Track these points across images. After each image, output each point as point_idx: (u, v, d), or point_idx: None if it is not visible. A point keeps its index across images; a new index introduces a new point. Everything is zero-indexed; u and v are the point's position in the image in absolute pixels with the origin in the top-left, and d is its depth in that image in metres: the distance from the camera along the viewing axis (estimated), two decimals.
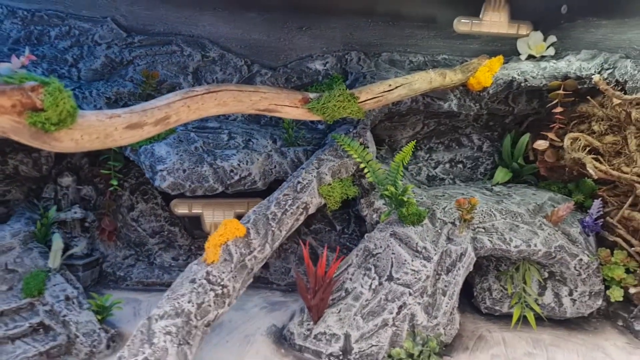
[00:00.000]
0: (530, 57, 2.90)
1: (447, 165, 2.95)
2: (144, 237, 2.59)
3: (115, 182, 2.40)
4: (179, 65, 2.56)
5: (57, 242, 2.15)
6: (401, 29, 2.83)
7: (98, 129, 1.44)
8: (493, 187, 2.74)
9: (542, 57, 2.88)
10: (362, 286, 2.09)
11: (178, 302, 1.71)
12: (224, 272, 1.81)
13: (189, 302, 1.72)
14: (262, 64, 2.70)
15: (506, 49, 2.96)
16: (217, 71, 2.61)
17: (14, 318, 1.96)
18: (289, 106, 1.93)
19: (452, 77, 2.53)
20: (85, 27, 2.48)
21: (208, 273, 1.80)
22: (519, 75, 2.64)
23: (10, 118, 1.29)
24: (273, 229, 1.98)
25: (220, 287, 1.79)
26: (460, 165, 2.96)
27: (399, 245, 2.13)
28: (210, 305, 1.76)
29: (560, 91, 2.58)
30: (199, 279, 1.77)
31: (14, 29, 2.40)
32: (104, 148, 1.53)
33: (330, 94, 1.99)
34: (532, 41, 2.91)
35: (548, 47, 2.89)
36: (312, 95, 2.00)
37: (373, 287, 2.08)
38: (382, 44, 2.83)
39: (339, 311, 2.05)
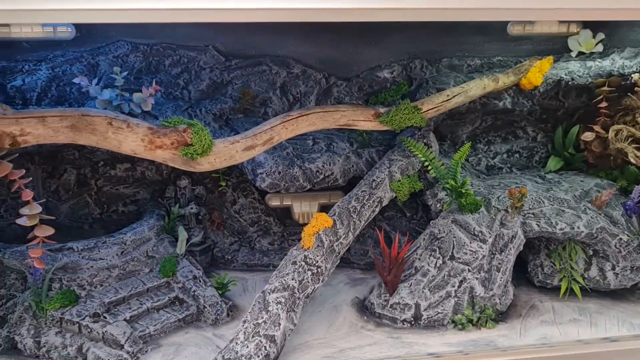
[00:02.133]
0: (581, 54, 3.19)
1: (505, 156, 3.31)
2: (245, 227, 3.12)
3: (223, 183, 2.94)
4: (269, 82, 3.04)
5: (183, 233, 2.71)
6: (458, 36, 3.18)
7: (225, 153, 1.95)
8: (546, 174, 3.08)
9: (592, 54, 3.17)
10: (428, 265, 2.53)
11: (284, 279, 2.21)
12: (317, 256, 2.30)
13: (292, 279, 2.22)
14: (338, 76, 3.13)
15: (557, 47, 3.26)
16: (300, 85, 3.08)
17: (156, 293, 2.54)
18: (363, 120, 2.38)
19: (505, 80, 2.88)
20: (192, 55, 3.00)
21: (305, 257, 2.29)
22: (566, 74, 2.96)
23: (169, 152, 1.82)
24: (354, 219, 2.45)
25: (316, 267, 2.28)
26: (516, 155, 3.31)
27: (459, 230, 2.55)
28: (308, 282, 2.26)
29: (605, 88, 2.88)
30: (299, 261, 2.27)
31: (137, 61, 2.95)
32: (229, 166, 2.04)
33: (397, 108, 2.42)
34: (582, 39, 3.19)
35: (597, 44, 3.17)
36: (382, 109, 2.43)
37: (438, 265, 2.51)
38: (441, 51, 3.20)
39: (410, 285, 2.49)
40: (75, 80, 2.51)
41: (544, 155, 3.29)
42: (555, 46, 3.25)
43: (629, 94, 2.82)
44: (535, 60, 3.00)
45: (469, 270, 2.46)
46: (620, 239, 2.58)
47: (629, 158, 2.71)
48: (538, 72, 2.96)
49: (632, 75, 2.74)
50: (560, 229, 2.52)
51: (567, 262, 2.67)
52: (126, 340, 2.21)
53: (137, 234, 2.65)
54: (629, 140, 2.79)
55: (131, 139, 1.78)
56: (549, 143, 3.28)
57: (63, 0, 1.44)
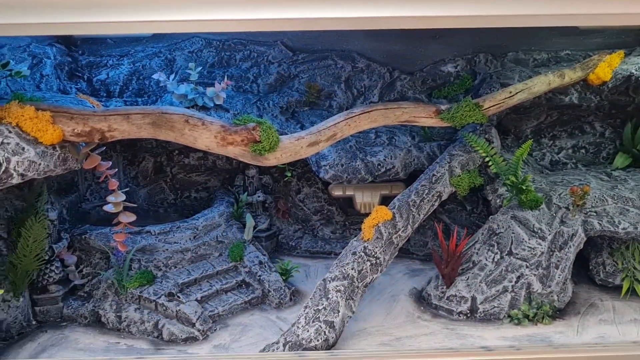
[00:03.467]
0: None
1: (570, 151, 3.27)
2: (309, 215, 3.26)
3: (289, 174, 3.09)
4: (334, 76, 3.14)
5: (250, 220, 2.87)
6: (524, 30, 3.15)
7: (291, 149, 2.08)
8: (612, 171, 3.03)
9: None
10: (486, 259, 2.57)
11: (344, 269, 2.33)
12: (376, 247, 2.40)
13: (352, 269, 2.33)
14: (402, 70, 3.19)
15: (630, 40, 3.18)
16: (364, 79, 3.16)
17: (225, 276, 2.71)
18: (424, 117, 2.44)
19: (572, 75, 2.85)
20: (261, 50, 3.14)
21: (365, 247, 2.39)
22: (637, 70, 2.89)
23: (240, 148, 1.96)
24: (413, 213, 2.52)
25: (374, 258, 2.38)
26: (582, 151, 3.26)
27: (518, 226, 2.57)
28: (367, 272, 2.36)
29: None
30: (359, 252, 2.38)
31: (210, 56, 3.12)
32: (294, 160, 2.16)
33: (459, 106, 2.47)
34: None
35: None
36: (443, 107, 2.48)
37: (495, 260, 2.55)
38: (507, 45, 3.18)
39: (467, 279, 2.55)
40: (154, 77, 2.70)
41: (611, 151, 3.23)
42: (628, 39, 3.16)
43: None
44: (604, 55, 2.95)
45: (527, 267, 2.48)
46: None
47: None
48: (607, 67, 2.91)
49: None
50: (623, 229, 2.50)
51: (630, 261, 2.65)
52: (197, 319, 2.39)
53: (208, 220, 2.83)
54: None
55: (205, 136, 1.93)
56: (617, 139, 3.21)
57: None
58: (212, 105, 2.78)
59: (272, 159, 2.05)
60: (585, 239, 2.54)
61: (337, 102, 3.12)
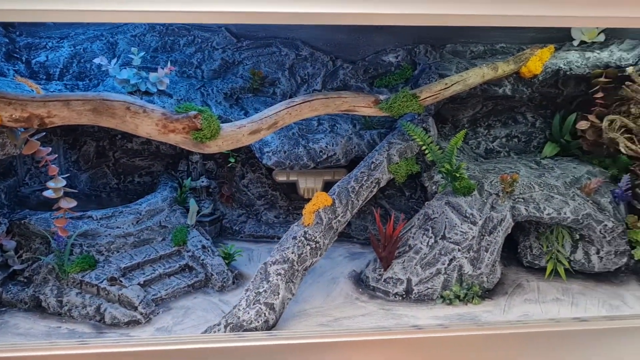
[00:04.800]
0: (583, 43, 3.28)
1: (504, 140, 3.43)
2: (253, 200, 3.31)
3: (232, 160, 3.12)
4: (278, 63, 3.19)
5: (194, 205, 2.90)
6: None
7: (232, 136, 2.12)
8: (541, 160, 3.21)
9: (593, 44, 3.25)
10: (421, 243, 2.70)
11: (285, 253, 2.40)
12: (316, 232, 2.48)
13: (292, 252, 2.41)
14: (344, 59, 3.26)
15: (560, 35, 3.34)
16: (308, 67, 3.22)
17: (168, 260, 2.74)
18: (364, 107, 2.52)
19: (505, 68, 3.00)
20: (206, 36, 3.15)
21: (305, 232, 2.47)
22: (565, 64, 3.05)
23: (181, 136, 1.99)
24: (352, 199, 2.61)
25: (314, 243, 2.46)
26: (515, 140, 3.44)
27: (452, 212, 2.71)
28: (307, 255, 2.44)
29: (602, 79, 2.98)
30: (299, 237, 2.45)
31: (153, 40, 3.10)
32: (235, 148, 2.21)
33: (396, 96, 2.56)
34: (585, 28, 3.27)
35: (599, 34, 3.25)
36: (382, 97, 2.57)
37: (430, 244, 2.68)
38: (445, 37, 3.30)
39: (403, 262, 2.67)
40: (96, 61, 2.68)
41: (541, 140, 3.41)
42: (558, 34, 3.32)
43: (624, 85, 2.91)
44: (536, 49, 3.10)
45: (459, 250, 2.62)
46: (606, 225, 2.72)
47: (620, 148, 2.82)
48: (538, 60, 3.07)
49: (627, 68, 2.84)
50: (548, 214, 2.67)
51: (554, 244, 2.83)
52: (140, 303, 2.42)
53: (152, 205, 2.85)
54: (622, 130, 2.89)
55: (147, 124, 1.95)
56: (547, 129, 3.39)
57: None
58: (155, 90, 2.78)
59: (214, 147, 2.09)
60: (513, 224, 2.69)
61: (281, 89, 3.17)
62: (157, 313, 2.48)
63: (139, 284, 2.53)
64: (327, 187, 3.02)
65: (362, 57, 3.28)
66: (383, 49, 3.28)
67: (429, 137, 2.82)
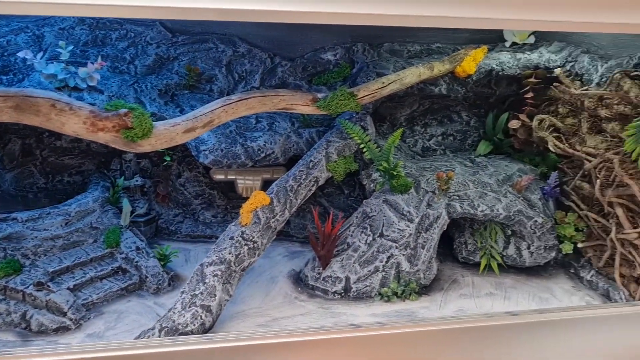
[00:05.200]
0: (514, 44, 3.38)
1: (440, 138, 3.50)
2: (190, 199, 3.23)
3: (168, 158, 3.04)
4: (215, 60, 3.12)
5: (127, 205, 2.80)
6: None
7: (166, 135, 2.06)
8: (475, 158, 3.29)
9: (524, 45, 3.36)
10: (359, 241, 2.71)
11: (222, 253, 2.35)
12: (254, 232, 2.44)
13: (229, 253, 2.36)
14: (283, 56, 3.23)
15: (493, 36, 3.43)
16: (245, 64, 3.17)
17: (100, 263, 2.64)
18: (302, 105, 2.51)
19: (440, 68, 3.05)
20: (139, 30, 3.05)
21: (243, 232, 2.43)
22: (497, 65, 3.14)
23: (111, 134, 1.91)
24: (291, 198, 2.59)
25: (252, 243, 2.43)
26: (450, 138, 3.51)
27: (389, 210, 2.73)
28: (244, 256, 2.41)
29: (532, 79, 3.09)
30: (237, 237, 2.41)
31: (83, 34, 2.98)
32: (169, 146, 2.14)
33: (334, 95, 2.56)
34: (517, 30, 3.37)
35: (529, 36, 3.36)
36: (319, 95, 2.56)
37: (368, 242, 2.69)
38: (383, 36, 3.33)
39: (342, 260, 2.67)
40: (20, 54, 2.54)
41: (476, 139, 3.49)
42: (491, 35, 3.41)
43: (552, 85, 3.02)
44: (470, 50, 3.17)
45: (396, 247, 2.65)
46: (536, 221, 2.81)
47: (549, 146, 2.92)
48: (472, 61, 3.14)
49: (555, 70, 2.94)
50: (481, 211, 2.73)
51: (488, 240, 2.91)
52: (69, 308, 2.32)
53: (82, 206, 2.73)
54: (551, 129, 3.00)
55: (74, 122, 1.86)
56: (481, 128, 3.48)
57: None
58: (84, 86, 2.67)
59: (146, 146, 2.02)
60: (448, 220, 2.75)
61: (218, 86, 3.11)
62: (88, 318, 2.38)
63: (68, 288, 2.42)
64: (266, 185, 2.98)
65: (300, 54, 3.26)
66: (321, 47, 3.27)
67: (367, 135, 2.84)
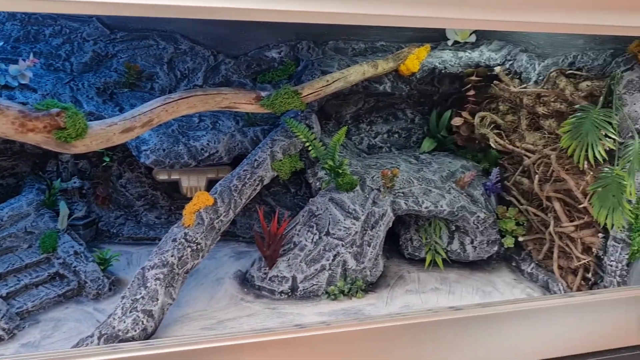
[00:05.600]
0: (456, 43, 3.43)
1: (385, 136, 3.52)
2: (132, 200, 3.14)
3: (107, 159, 2.94)
4: (155, 57, 3.04)
5: (64, 208, 2.69)
6: None
7: (102, 135, 1.98)
8: (420, 155, 3.33)
9: (465, 44, 3.42)
10: (306, 240, 2.69)
11: (164, 256, 2.29)
12: (197, 233, 2.39)
13: (172, 256, 2.31)
14: (226, 54, 3.18)
15: (436, 35, 3.48)
16: (188, 61, 3.10)
17: (36, 269, 2.52)
18: (245, 103, 2.47)
19: (384, 66, 3.07)
20: (75, 26, 2.93)
21: (185, 234, 2.37)
22: (439, 63, 3.18)
23: (42, 135, 1.82)
24: (235, 198, 2.55)
25: (195, 244, 2.38)
26: (396, 135, 3.54)
27: (335, 208, 2.73)
28: (188, 258, 2.35)
29: (473, 77, 3.14)
30: (179, 239, 2.36)
31: (15, 29, 2.84)
32: (107, 147, 2.07)
33: (278, 93, 2.53)
34: (458, 29, 3.43)
35: (471, 35, 3.42)
36: (263, 93, 2.53)
37: (314, 240, 2.68)
38: (328, 34, 3.32)
39: (288, 259, 2.65)
40: None
41: (420, 136, 3.54)
42: (434, 34, 3.45)
43: (493, 83, 3.08)
44: (413, 48, 3.20)
45: (343, 245, 2.65)
46: (478, 216, 2.87)
47: (490, 143, 2.98)
48: (416, 59, 3.17)
49: (495, 68, 3.01)
50: (426, 208, 2.76)
51: (432, 236, 2.94)
52: (1, 317, 2.21)
53: (15, 210, 2.61)
54: (492, 126, 3.06)
55: (1, 122, 1.76)
56: (425, 125, 3.52)
57: None
58: (16, 84, 2.55)
59: (81, 147, 1.94)
60: (394, 217, 2.76)
61: (159, 84, 3.03)
62: (23, 327, 2.28)
63: (0, 296, 2.31)
64: (211, 185, 2.92)
65: (244, 52, 3.21)
66: (266, 44, 3.23)
67: (312, 133, 2.83)
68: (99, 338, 2.07)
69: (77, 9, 1.63)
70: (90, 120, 2.07)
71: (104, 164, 2.97)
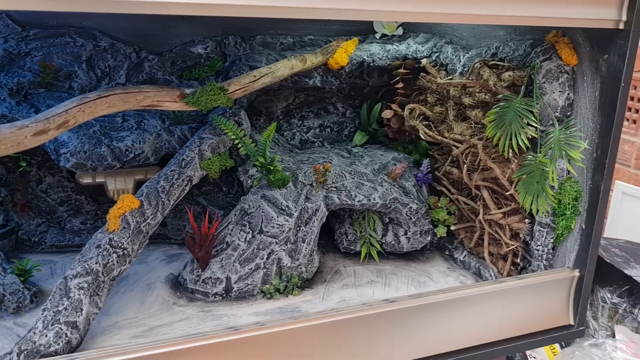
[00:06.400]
0: (384, 36, 3.45)
1: (317, 130, 3.50)
2: (54, 206, 2.98)
3: (23, 164, 2.77)
4: (73, 55, 2.89)
5: None
6: None
7: (12, 139, 1.85)
8: (352, 148, 3.33)
9: (393, 36, 3.44)
10: (239, 239, 2.64)
11: (87, 264, 2.18)
12: (123, 238, 2.29)
13: (96, 263, 2.20)
14: (150, 50, 3.05)
15: (364, 28, 3.48)
16: (108, 59, 2.96)
17: None
18: (169, 101, 2.37)
19: (313, 60, 3.04)
20: None
21: (110, 239, 2.27)
22: (368, 56, 3.19)
23: None
24: (163, 199, 2.46)
25: (121, 250, 2.27)
26: (328, 130, 3.52)
27: (268, 205, 2.68)
28: (114, 264, 2.25)
29: (401, 70, 3.17)
30: (104, 244, 2.25)
31: None
32: (18, 151, 1.94)
33: (203, 90, 2.45)
34: (385, 22, 3.45)
35: (398, 27, 3.45)
36: (187, 90, 2.45)
37: (247, 239, 2.63)
38: (255, 28, 3.26)
39: (221, 260, 2.59)
40: None
41: (352, 129, 3.54)
42: (362, 27, 3.46)
43: (420, 75, 3.11)
44: (341, 42, 3.19)
45: (277, 243, 2.61)
46: (411, 207, 2.89)
47: (420, 134, 3.01)
48: (344, 52, 3.16)
49: (422, 60, 3.04)
50: (359, 201, 2.76)
51: (366, 229, 2.95)
52: None
53: None
54: (421, 117, 3.10)
55: None
56: (356, 119, 3.53)
57: None
58: None
59: None
60: (327, 212, 2.75)
61: (78, 83, 2.88)
62: None
63: None
64: (139, 186, 2.80)
65: (169, 48, 3.10)
66: (191, 40, 3.13)
67: (241, 130, 2.76)
68: (18, 354, 1.94)
69: None
70: (3, 123, 1.94)
71: (21, 169, 2.80)
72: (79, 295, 2.11)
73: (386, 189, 2.87)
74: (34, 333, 2.01)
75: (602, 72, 2.27)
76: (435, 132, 3.02)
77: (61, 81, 2.86)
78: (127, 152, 2.70)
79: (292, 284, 2.61)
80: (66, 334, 2.03)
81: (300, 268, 2.66)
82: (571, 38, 2.37)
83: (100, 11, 1.50)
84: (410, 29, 3.43)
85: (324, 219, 2.75)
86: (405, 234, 2.96)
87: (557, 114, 2.39)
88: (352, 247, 3.00)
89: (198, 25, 3.14)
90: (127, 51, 3.00)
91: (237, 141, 2.73)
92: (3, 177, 2.86)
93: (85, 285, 2.14)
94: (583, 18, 2.07)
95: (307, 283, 2.71)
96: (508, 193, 2.58)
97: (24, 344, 1.98)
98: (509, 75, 2.55)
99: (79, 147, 2.61)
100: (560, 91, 2.37)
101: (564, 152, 2.34)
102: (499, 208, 2.69)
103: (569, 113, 2.41)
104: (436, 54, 3.14)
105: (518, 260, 2.67)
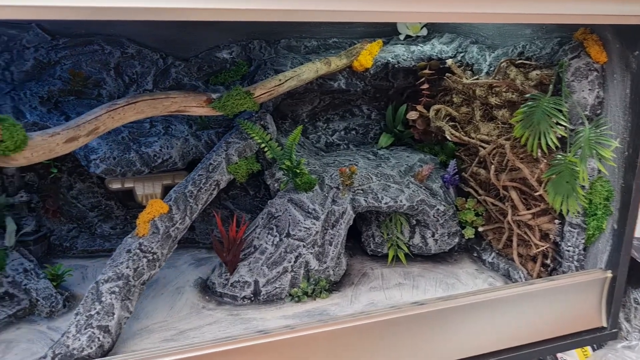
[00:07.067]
0: (408, 37, 3.43)
1: (343, 133, 3.50)
2: (84, 212, 3.03)
3: (55, 170, 2.82)
4: (102, 62, 2.94)
5: (11, 224, 2.58)
6: None
7: (44, 146, 1.89)
8: (378, 150, 3.32)
9: (417, 37, 3.42)
10: (266, 243, 2.65)
11: (118, 269, 2.21)
12: (153, 242, 2.32)
13: (127, 267, 2.23)
14: (176, 56, 3.09)
15: (388, 29, 3.47)
16: (136, 65, 3.00)
17: None
18: (196, 107, 2.40)
19: (338, 62, 3.04)
20: (13, 34, 2.80)
21: (140, 244, 2.30)
22: (392, 58, 3.18)
23: None
24: (191, 204, 2.48)
25: (151, 254, 2.30)
26: (353, 132, 3.52)
27: (294, 209, 2.69)
28: (144, 269, 2.28)
29: (426, 70, 3.15)
30: (134, 249, 2.28)
31: None
32: (50, 158, 1.98)
33: (229, 94, 2.47)
34: (410, 23, 3.43)
35: (422, 28, 3.43)
36: (214, 95, 2.47)
37: (275, 242, 2.64)
38: (280, 32, 3.27)
39: (249, 263, 2.60)
40: None
41: (377, 131, 3.53)
42: (386, 29, 3.45)
43: (445, 76, 3.09)
44: (366, 43, 3.19)
45: (304, 246, 2.61)
46: (438, 209, 2.87)
47: (446, 135, 2.99)
48: (368, 54, 3.15)
49: (447, 61, 3.02)
50: (385, 203, 2.75)
51: (394, 232, 2.93)
52: None
53: None
54: (447, 118, 3.07)
55: None
56: (382, 120, 3.52)
57: None
58: None
59: (21, 159, 1.85)
60: (354, 215, 2.74)
61: (107, 90, 2.93)
62: None
63: None
64: (167, 191, 2.84)
65: (194, 54, 3.13)
66: (216, 45, 3.16)
67: (267, 134, 2.78)
68: (52, 358, 1.98)
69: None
70: (35, 131, 1.98)
71: (52, 175, 2.85)
72: (111, 299, 2.14)
73: (413, 190, 2.85)
74: (67, 337, 2.04)
75: (632, 69, 2.22)
76: (462, 132, 2.99)
77: (90, 88, 2.91)
78: (155, 158, 2.74)
79: (319, 287, 2.61)
80: (99, 338, 2.06)
81: (328, 271, 2.66)
82: (600, 35, 2.33)
83: (127, 19, 1.52)
84: (434, 30, 3.41)
85: (351, 222, 2.74)
86: (433, 235, 2.94)
87: (586, 112, 2.35)
88: (379, 250, 2.99)
89: (223, 31, 3.17)
90: (154, 57, 3.04)
91: (263, 145, 2.74)
92: (35, 184, 2.92)
93: (117, 289, 2.17)
94: (612, 14, 2.03)
95: (334, 286, 2.71)
96: (537, 193, 2.54)
97: (57, 348, 2.02)
98: (537, 74, 2.52)
99: (109, 153, 2.65)
100: (589, 89, 2.33)
101: (594, 151, 2.30)
102: (528, 209, 2.66)
103: (598, 111, 2.37)
104: (461, 54, 3.12)
105: (548, 262, 2.63)
